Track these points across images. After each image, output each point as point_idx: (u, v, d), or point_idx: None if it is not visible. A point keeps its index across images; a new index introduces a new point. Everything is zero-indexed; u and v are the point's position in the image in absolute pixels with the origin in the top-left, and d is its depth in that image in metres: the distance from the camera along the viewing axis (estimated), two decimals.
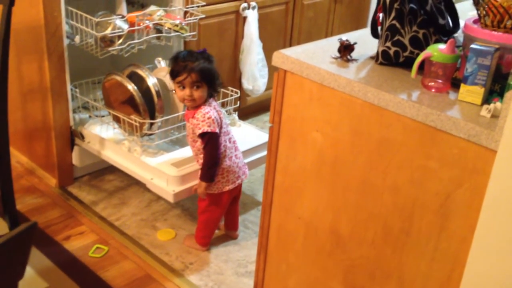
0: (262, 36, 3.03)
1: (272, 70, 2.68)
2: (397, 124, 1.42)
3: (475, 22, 1.51)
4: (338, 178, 1.60)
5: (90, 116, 2.63)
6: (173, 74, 2.12)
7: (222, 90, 2.61)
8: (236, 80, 3.08)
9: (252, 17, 2.97)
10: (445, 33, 1.56)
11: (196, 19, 2.60)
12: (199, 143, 2.14)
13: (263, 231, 1.87)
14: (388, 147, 1.46)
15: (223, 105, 2.57)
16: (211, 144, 2.10)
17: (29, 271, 2.13)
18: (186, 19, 2.58)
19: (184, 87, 2.10)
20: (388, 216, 1.51)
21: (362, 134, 1.50)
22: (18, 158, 2.83)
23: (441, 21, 1.56)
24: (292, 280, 1.84)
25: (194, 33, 2.59)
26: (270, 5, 3.13)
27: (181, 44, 2.75)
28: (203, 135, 2.09)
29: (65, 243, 2.30)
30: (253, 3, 2.98)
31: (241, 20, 2.99)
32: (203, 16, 2.64)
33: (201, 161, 2.17)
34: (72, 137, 2.58)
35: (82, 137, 2.55)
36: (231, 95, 2.59)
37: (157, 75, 2.42)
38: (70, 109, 2.53)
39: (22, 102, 2.66)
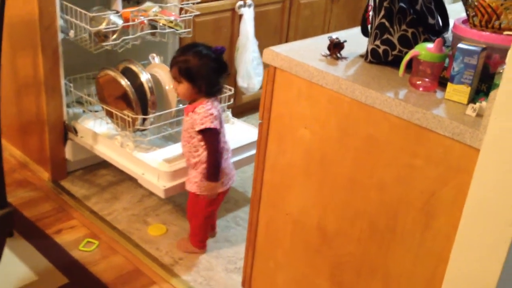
0: (257, 35, 3.04)
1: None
2: (383, 122, 1.43)
3: (464, 22, 1.52)
4: (326, 175, 1.60)
5: (84, 111, 2.64)
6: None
7: None
8: (231, 77, 3.08)
9: (248, 15, 2.97)
10: (435, 33, 1.57)
11: (191, 15, 2.61)
12: (196, 140, 2.08)
13: (251, 227, 1.88)
14: (375, 145, 1.47)
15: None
16: (214, 140, 2.06)
17: (18, 263, 2.13)
18: (181, 15, 2.59)
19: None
20: (374, 214, 1.52)
21: (349, 131, 1.51)
22: (11, 151, 2.83)
23: (430, 21, 1.57)
24: (280, 276, 1.85)
25: (189, 30, 2.59)
26: (266, 3, 3.14)
27: (177, 41, 2.76)
28: (205, 131, 2.04)
29: (56, 237, 2.31)
30: (249, 1, 2.98)
31: (237, 18, 3.00)
32: (198, 13, 2.65)
33: (193, 160, 2.11)
34: (66, 131, 2.58)
35: (75, 131, 2.55)
36: (225, 92, 2.59)
37: (151, 71, 2.43)
38: (64, 104, 2.54)
39: (16, 96, 2.67)
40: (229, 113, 2.69)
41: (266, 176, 1.77)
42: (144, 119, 2.35)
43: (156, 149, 2.38)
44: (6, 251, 2.19)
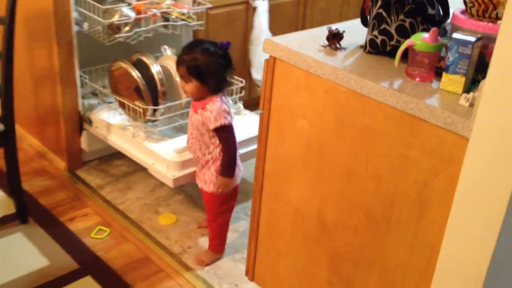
0: (272, 27, 3.05)
1: None
2: (378, 112, 1.43)
3: (462, 12, 1.51)
4: (324, 166, 1.61)
5: (99, 102, 2.69)
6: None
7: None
8: (245, 70, 3.10)
9: (262, 7, 2.99)
10: (434, 23, 1.56)
11: (203, 8, 2.63)
12: (206, 137, 2.04)
13: (254, 217, 1.90)
14: (370, 135, 1.47)
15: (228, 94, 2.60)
16: (230, 136, 2.02)
17: (32, 249, 2.20)
18: (194, 8, 2.62)
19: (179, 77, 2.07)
20: (371, 205, 1.53)
21: (346, 122, 1.52)
22: (30, 141, 2.92)
23: (430, 11, 1.56)
24: (281, 266, 1.87)
25: (201, 22, 2.62)
26: None
27: (190, 33, 2.79)
28: (220, 128, 1.98)
29: (69, 224, 2.37)
30: None
31: (250, 11, 3.01)
32: (210, 6, 2.67)
33: (204, 157, 2.07)
34: (81, 122, 2.65)
35: (90, 122, 2.61)
36: (236, 84, 2.62)
37: (163, 62, 2.47)
38: (79, 95, 2.60)
39: (34, 87, 2.74)
40: (240, 104, 2.71)
41: (267, 166, 1.79)
42: (154, 110, 2.39)
43: (167, 139, 2.42)
44: (20, 236, 2.27)
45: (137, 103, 2.37)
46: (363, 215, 1.55)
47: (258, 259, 1.95)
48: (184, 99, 2.44)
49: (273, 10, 3.08)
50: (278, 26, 3.15)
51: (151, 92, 2.37)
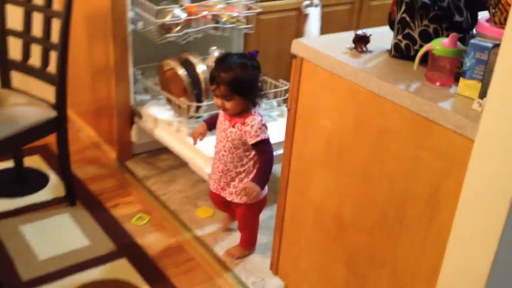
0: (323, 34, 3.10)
1: None
2: (394, 114, 1.47)
3: (488, 20, 1.52)
4: (343, 164, 1.66)
5: (150, 98, 2.84)
6: (210, 79, 2.05)
7: (273, 82, 2.73)
8: None
9: (314, 14, 3.05)
10: (461, 30, 1.57)
11: (253, 12, 2.73)
12: (241, 150, 2.06)
13: (279, 213, 1.96)
14: (386, 136, 1.50)
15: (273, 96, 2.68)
16: (270, 149, 2.05)
17: (76, 229, 2.36)
18: (244, 12, 2.72)
19: (217, 96, 2.02)
20: (385, 205, 1.55)
21: (364, 122, 1.56)
22: (88, 132, 3.11)
23: (457, 18, 1.57)
24: (302, 261, 1.91)
25: (250, 25, 2.72)
26: (334, 4, 3.19)
27: (241, 37, 2.90)
28: (262, 142, 2.01)
29: (113, 210, 2.52)
30: (316, 1, 3.05)
31: (302, 17, 3.08)
32: (260, 10, 2.76)
33: (236, 170, 2.09)
34: (132, 116, 2.80)
35: (140, 116, 2.76)
36: (281, 87, 2.69)
37: (209, 63, 2.58)
38: (131, 90, 2.76)
39: (92, 81, 2.93)
40: (284, 107, 2.78)
41: (293, 164, 1.85)
42: (198, 107, 2.50)
43: (208, 135, 2.52)
44: (67, 217, 2.43)
45: (182, 99, 2.49)
46: (378, 215, 1.58)
47: (282, 254, 2.00)
48: None
49: (326, 18, 3.13)
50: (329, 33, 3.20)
51: (196, 90, 2.48)
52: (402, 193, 1.49)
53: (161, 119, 2.66)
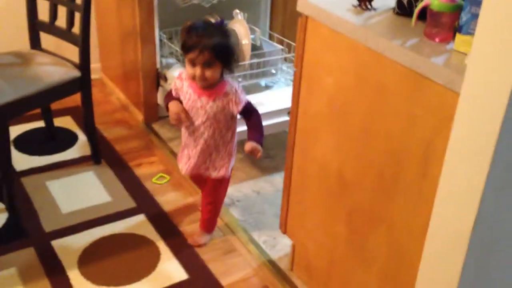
0: None
1: None
2: (391, 70, 1.45)
3: None
4: (344, 123, 1.66)
5: (175, 62, 2.89)
6: (184, 48, 1.89)
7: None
8: None
9: None
10: None
11: None
12: (223, 122, 1.97)
13: (287, 173, 1.99)
14: (383, 93, 1.49)
15: None
16: (255, 108, 2.01)
17: (99, 186, 2.47)
18: None
19: (195, 65, 1.87)
20: (381, 164, 1.55)
21: (364, 80, 1.55)
22: (118, 95, 3.21)
23: None
24: (308, 220, 1.94)
25: None
26: None
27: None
28: (248, 104, 1.97)
29: (135, 169, 2.61)
30: None
31: None
32: None
33: (222, 141, 2.01)
34: (158, 79, 2.87)
35: (165, 79, 2.83)
36: None
37: (232, 25, 2.60)
38: (157, 53, 2.82)
39: (121, 46, 3.01)
40: None
41: (299, 123, 1.86)
42: None
43: None
44: (92, 175, 2.54)
45: None
46: (376, 173, 1.58)
47: (290, 213, 2.03)
48: (247, 61, 2.56)
49: None
50: None
51: None
52: (398, 150, 1.49)
53: None
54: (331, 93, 1.68)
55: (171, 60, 2.92)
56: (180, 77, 2.02)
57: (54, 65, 2.35)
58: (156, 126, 2.95)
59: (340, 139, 1.69)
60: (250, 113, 2.00)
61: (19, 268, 2.02)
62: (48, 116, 2.69)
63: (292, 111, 1.88)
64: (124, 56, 3.01)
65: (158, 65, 2.85)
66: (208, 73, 1.88)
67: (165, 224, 2.29)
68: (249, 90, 2.65)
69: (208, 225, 2.21)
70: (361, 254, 1.72)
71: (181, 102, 2.01)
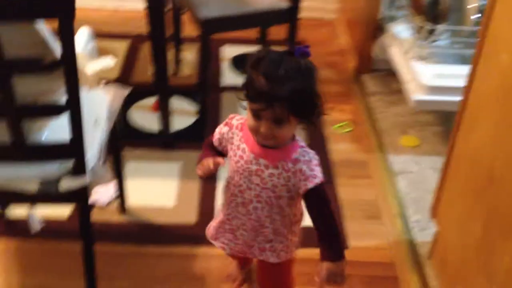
0: None
1: None
2: None
3: None
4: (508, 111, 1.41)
5: (402, 16, 2.73)
6: (247, 94, 1.26)
7: None
8: None
9: None
10: None
11: None
12: (285, 199, 1.35)
13: (449, 154, 1.78)
14: None
15: None
16: (328, 196, 1.34)
17: None
18: None
19: (260, 118, 1.25)
20: None
21: None
22: (342, 39, 3.22)
23: None
24: (451, 211, 1.74)
25: None
26: None
27: None
28: (319, 187, 1.30)
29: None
30: None
31: None
32: None
33: (271, 225, 1.40)
34: (378, 30, 2.77)
35: (383, 31, 2.71)
36: None
37: None
38: (382, 3, 2.70)
39: None
40: None
41: (468, 105, 1.64)
42: (432, 30, 2.32)
43: (437, 63, 2.32)
44: None
45: (416, 18, 2.35)
46: None
47: (442, 199, 1.84)
48: (471, 27, 2.29)
49: None
50: None
51: (434, 11, 2.30)
52: None
53: (397, 38, 2.56)
54: (505, 74, 1.43)
55: (396, 13, 2.78)
56: (229, 124, 1.39)
57: None
58: (364, 77, 2.87)
59: (499, 128, 1.45)
60: (321, 202, 1.33)
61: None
62: (263, 40, 2.83)
63: (466, 90, 1.65)
64: (356, 1, 2.97)
65: (380, 16, 2.74)
66: (279, 132, 1.26)
67: (326, 174, 2.27)
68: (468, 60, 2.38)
69: None
70: (487, 262, 1.49)
71: (222, 154, 1.41)
